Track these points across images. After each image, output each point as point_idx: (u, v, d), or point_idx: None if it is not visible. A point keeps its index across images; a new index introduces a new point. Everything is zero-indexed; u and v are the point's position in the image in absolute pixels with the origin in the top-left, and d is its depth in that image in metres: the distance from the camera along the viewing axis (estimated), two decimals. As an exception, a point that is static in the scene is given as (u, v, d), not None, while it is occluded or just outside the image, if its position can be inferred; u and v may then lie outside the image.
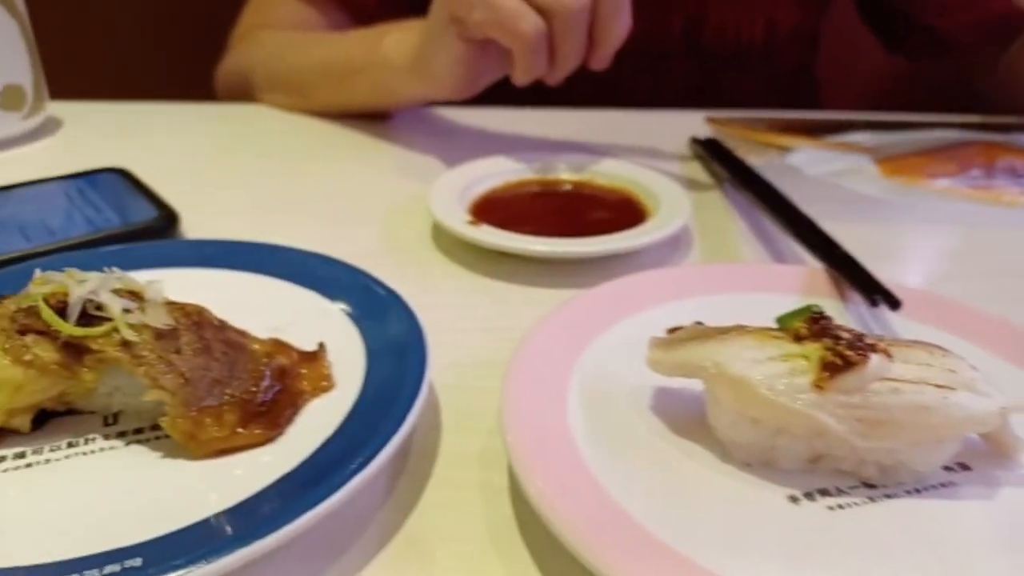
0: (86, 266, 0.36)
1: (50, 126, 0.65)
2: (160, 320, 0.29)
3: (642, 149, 0.65)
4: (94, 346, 0.28)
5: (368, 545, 0.28)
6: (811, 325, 0.29)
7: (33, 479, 0.28)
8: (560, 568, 0.27)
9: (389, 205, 0.55)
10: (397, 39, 0.60)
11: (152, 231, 0.46)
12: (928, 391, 0.27)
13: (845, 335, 0.28)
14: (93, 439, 0.30)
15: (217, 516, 0.26)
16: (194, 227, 0.49)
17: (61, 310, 0.29)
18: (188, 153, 0.63)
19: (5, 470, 0.28)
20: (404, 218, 0.53)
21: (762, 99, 0.74)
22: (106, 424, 0.30)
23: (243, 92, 0.76)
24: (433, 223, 0.51)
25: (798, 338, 0.29)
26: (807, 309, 0.29)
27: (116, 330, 0.28)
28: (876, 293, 0.37)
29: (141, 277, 0.32)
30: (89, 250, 0.41)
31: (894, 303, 0.36)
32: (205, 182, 0.58)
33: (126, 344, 0.28)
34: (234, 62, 0.78)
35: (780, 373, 0.27)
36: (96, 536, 0.25)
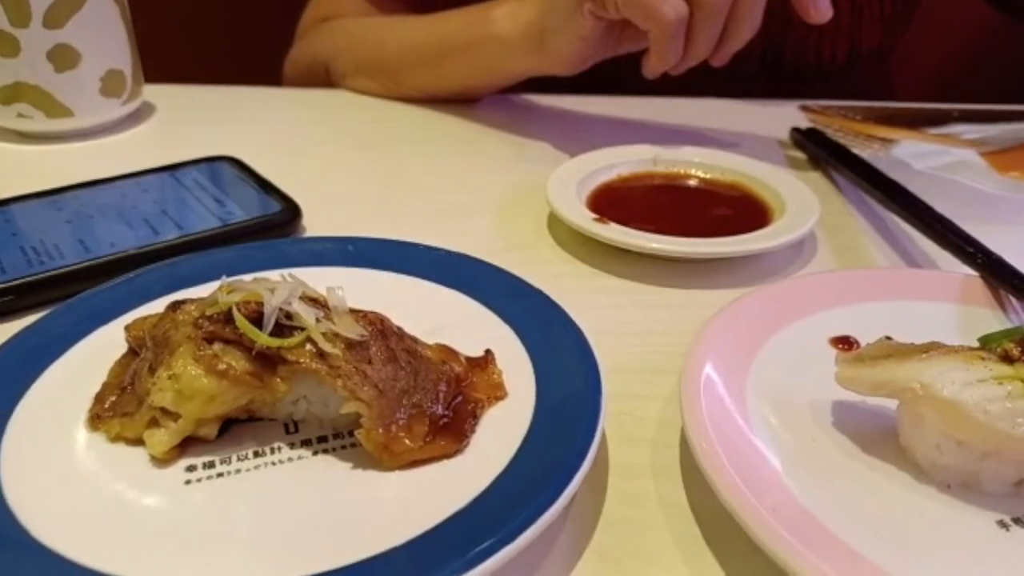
0: (236, 266, 0.36)
1: (144, 111, 0.65)
2: (352, 330, 0.29)
3: (742, 140, 0.63)
4: (290, 357, 0.28)
5: (561, 561, 0.28)
6: (1023, 345, 0.28)
7: (227, 489, 0.28)
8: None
9: (499, 196, 0.54)
10: (508, 13, 0.60)
11: (277, 224, 0.46)
12: None
13: (1063, 358, 0.27)
14: (279, 448, 0.29)
15: (419, 540, 0.25)
16: (310, 218, 0.49)
17: (253, 319, 0.28)
18: (283, 140, 0.63)
19: (199, 479, 0.28)
20: (514, 210, 0.52)
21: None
22: (288, 432, 0.30)
23: (318, 81, 0.75)
24: (549, 215, 0.50)
25: (1008, 359, 0.28)
26: (1018, 330, 0.28)
27: (310, 340, 0.28)
28: (1048, 304, 0.36)
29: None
30: (232, 247, 0.41)
31: (1069, 315, 0.35)
32: (309, 170, 0.57)
33: (321, 355, 0.28)
34: (306, 51, 0.77)
35: (996, 396, 0.27)
36: (299, 554, 0.25)
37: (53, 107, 0.56)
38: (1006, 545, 0.26)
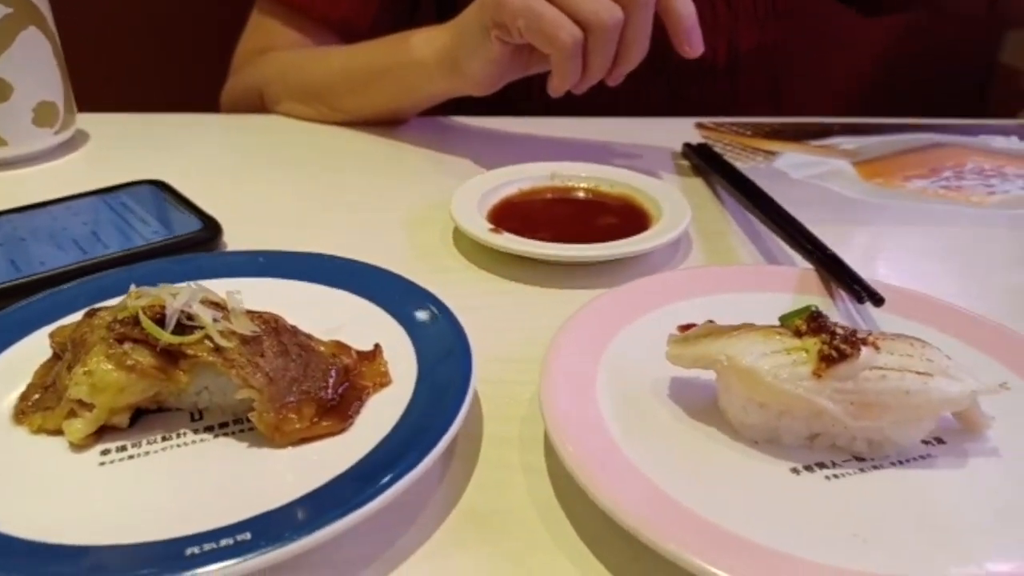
0: (154, 278, 0.40)
1: (78, 139, 0.68)
2: (246, 327, 0.33)
3: (639, 155, 0.70)
4: (190, 352, 0.32)
5: (431, 518, 0.33)
6: (810, 322, 0.33)
7: (138, 468, 0.32)
8: (600, 536, 0.32)
9: (410, 213, 0.59)
10: (424, 40, 0.66)
11: (199, 242, 0.50)
12: (910, 377, 0.32)
13: (840, 331, 0.33)
14: (184, 433, 0.34)
15: (310, 496, 0.30)
16: (232, 235, 0.53)
17: (157, 320, 0.32)
18: (212, 163, 0.67)
19: (112, 461, 0.32)
20: (425, 225, 0.57)
21: (725, 114, 0.79)
22: (193, 420, 0.34)
23: (253, 108, 0.79)
24: (454, 228, 0.55)
25: (799, 334, 0.33)
26: (806, 309, 0.34)
27: (208, 337, 0.32)
28: (862, 291, 0.41)
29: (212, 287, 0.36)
30: (152, 262, 0.45)
31: (878, 300, 0.41)
32: (232, 192, 0.61)
33: (218, 349, 0.32)
34: (241, 82, 0.81)
35: (784, 364, 0.32)
36: (204, 515, 0.29)
37: (-13, 138, 0.60)
38: (795, 487, 0.32)
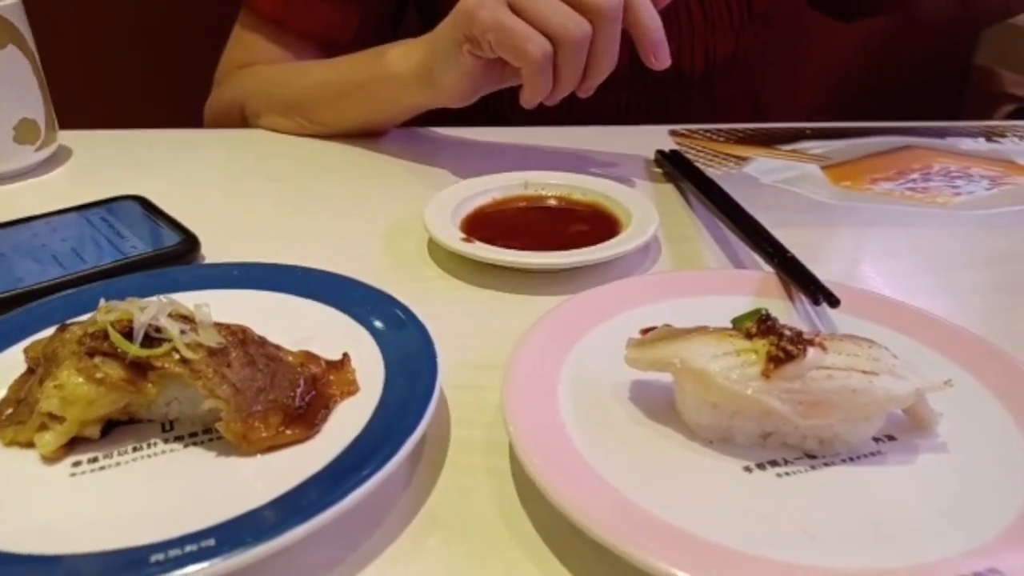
0: (128, 293, 0.41)
1: (61, 156, 0.69)
2: (212, 339, 0.34)
3: (614, 163, 0.71)
4: (157, 364, 0.33)
5: (396, 522, 0.33)
6: (759, 325, 0.34)
7: (108, 479, 0.33)
8: (560, 537, 0.32)
9: (388, 223, 0.60)
10: (400, 54, 0.67)
11: (176, 255, 0.51)
12: (856, 376, 0.33)
13: (787, 332, 0.34)
14: (155, 443, 0.35)
15: (274, 503, 0.31)
16: (211, 249, 0.54)
17: (126, 334, 0.33)
18: (194, 178, 0.68)
19: (83, 472, 0.33)
20: (402, 235, 0.58)
21: (704, 122, 0.80)
22: (164, 430, 0.35)
23: (235, 123, 0.80)
24: (429, 239, 0.56)
25: (749, 336, 0.34)
26: (756, 312, 0.35)
27: (175, 349, 0.33)
28: (818, 293, 0.43)
29: (180, 300, 0.37)
30: (127, 277, 0.46)
31: (834, 301, 0.42)
32: (213, 206, 0.63)
33: (185, 361, 0.33)
34: (223, 97, 0.82)
35: (734, 365, 0.33)
36: (170, 523, 0.30)
37: (-31, 156, 0.61)
38: (747, 485, 0.33)
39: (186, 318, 0.35)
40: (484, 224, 0.57)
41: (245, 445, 0.33)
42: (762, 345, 0.34)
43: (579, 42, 0.55)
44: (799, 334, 0.34)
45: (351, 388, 0.37)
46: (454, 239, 0.52)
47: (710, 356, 0.34)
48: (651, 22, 0.56)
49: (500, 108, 0.71)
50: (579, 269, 0.52)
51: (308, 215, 0.62)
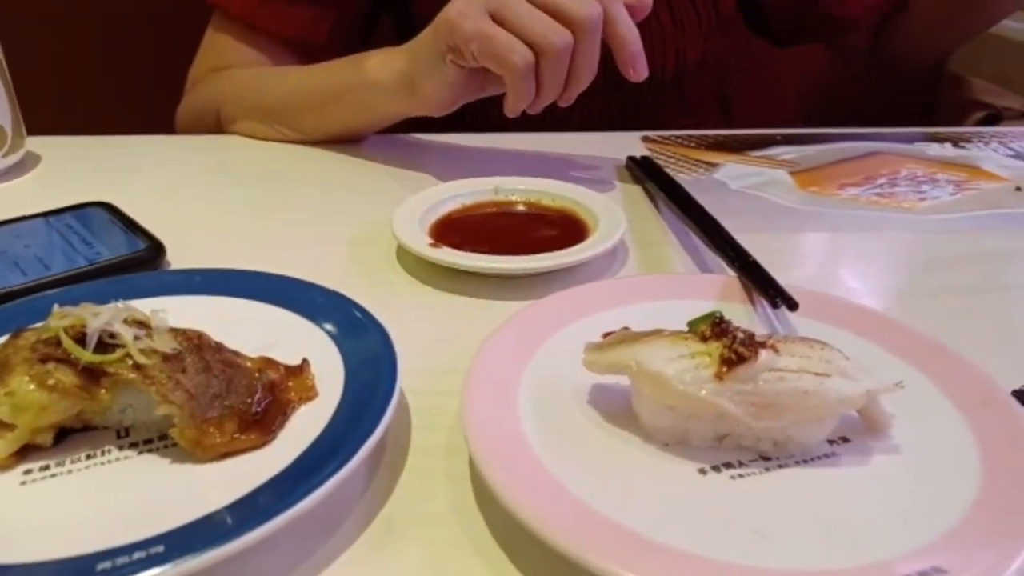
0: (88, 299, 0.40)
1: (30, 162, 0.69)
2: (167, 345, 0.34)
3: (587, 168, 0.71)
4: (110, 370, 0.33)
5: (353, 527, 0.33)
6: (713, 328, 0.35)
7: (59, 487, 0.33)
8: (515, 540, 0.33)
9: (358, 229, 0.60)
10: (381, 62, 0.67)
11: (141, 262, 0.50)
12: (807, 378, 0.33)
13: (740, 335, 0.34)
14: (109, 451, 0.34)
15: (225, 508, 0.31)
16: (178, 255, 0.54)
17: (79, 339, 0.33)
18: (165, 184, 0.68)
19: (33, 480, 0.33)
20: (371, 240, 0.58)
21: (675, 124, 0.81)
22: (119, 437, 0.35)
23: (208, 128, 0.80)
24: (398, 245, 0.56)
25: (704, 339, 0.35)
26: (711, 315, 0.36)
27: (129, 355, 0.33)
28: (777, 297, 0.43)
29: (140, 305, 0.37)
30: (88, 283, 0.46)
31: (792, 305, 0.42)
32: (183, 212, 0.62)
33: (138, 367, 0.33)
34: (196, 100, 0.82)
35: (688, 368, 0.34)
36: (121, 530, 0.30)
37: (-66, 162, 0.60)
38: (701, 486, 0.33)
39: (142, 324, 0.35)
40: (453, 229, 0.57)
41: (199, 451, 0.33)
42: (716, 348, 0.34)
43: (561, 52, 0.56)
44: (751, 336, 0.34)
45: (310, 394, 0.37)
46: (421, 244, 0.52)
47: (665, 359, 0.34)
48: (629, 35, 0.57)
49: (475, 116, 0.72)
50: (547, 274, 0.52)
51: (278, 220, 0.62)
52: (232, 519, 0.30)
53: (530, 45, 0.56)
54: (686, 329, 0.37)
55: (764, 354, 0.33)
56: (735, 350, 0.33)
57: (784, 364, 0.34)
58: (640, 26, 0.58)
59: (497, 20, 0.56)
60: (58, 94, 0.90)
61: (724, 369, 0.33)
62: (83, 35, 1.05)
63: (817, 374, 0.34)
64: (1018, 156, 0.76)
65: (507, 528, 0.33)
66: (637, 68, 0.58)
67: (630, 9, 0.58)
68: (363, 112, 0.72)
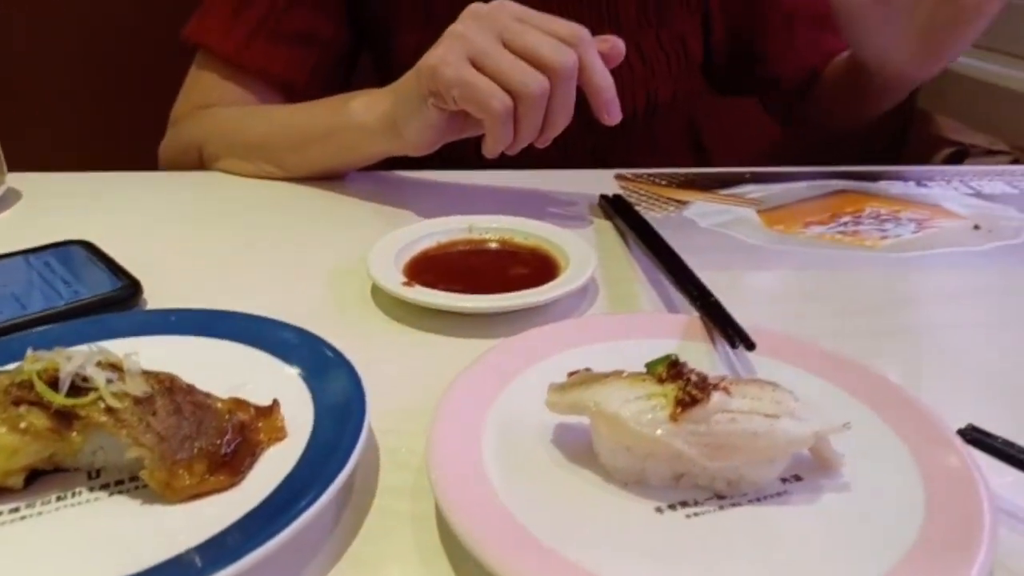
0: (63, 340, 0.41)
1: (10, 198, 0.70)
2: (138, 388, 0.35)
3: (560, 206, 0.73)
4: (82, 413, 0.34)
5: (319, 568, 0.34)
6: (670, 369, 0.36)
7: (29, 529, 0.33)
8: (476, 577, 0.33)
9: (332, 267, 0.61)
10: (365, 104, 0.70)
11: (117, 301, 0.51)
12: (757, 420, 0.35)
13: (694, 377, 0.35)
14: (79, 492, 0.35)
15: (194, 549, 0.31)
16: (156, 293, 0.55)
17: (52, 383, 0.34)
18: (145, 221, 0.69)
19: (2, 523, 0.33)
20: (346, 279, 0.59)
21: (647, 162, 0.84)
22: (90, 478, 0.36)
23: (190, 164, 0.81)
24: (372, 284, 0.58)
25: (660, 380, 0.36)
26: (667, 357, 0.37)
27: (101, 399, 0.34)
28: (736, 336, 0.45)
29: (114, 346, 0.38)
30: (64, 323, 0.46)
31: (750, 345, 0.44)
32: (163, 249, 0.63)
33: (110, 410, 0.34)
34: (180, 137, 0.84)
35: (644, 409, 0.35)
36: (92, 572, 0.31)
37: (-85, 200, 0.61)
38: (657, 526, 0.34)
39: (115, 367, 0.36)
40: (427, 267, 0.58)
41: (169, 493, 0.34)
42: (671, 389, 0.35)
43: (538, 98, 0.58)
44: (704, 379, 0.35)
45: (279, 435, 0.38)
46: (395, 283, 0.54)
47: (623, 400, 0.35)
48: (603, 82, 0.60)
49: (454, 153, 0.73)
50: (517, 312, 0.53)
51: (256, 259, 0.63)
52: (201, 559, 0.31)
53: (508, 91, 0.58)
54: (645, 370, 0.38)
55: (716, 396, 0.35)
56: (688, 392, 0.34)
57: (736, 406, 0.35)
58: (612, 69, 0.61)
59: (477, 66, 0.59)
60: (40, 130, 0.91)
61: (678, 410, 0.34)
62: (66, 71, 1.07)
63: (767, 415, 0.35)
64: (977, 195, 0.79)
65: (472, 570, 0.34)
66: (611, 113, 0.61)
67: (604, 56, 0.60)
68: (347, 152, 0.74)
